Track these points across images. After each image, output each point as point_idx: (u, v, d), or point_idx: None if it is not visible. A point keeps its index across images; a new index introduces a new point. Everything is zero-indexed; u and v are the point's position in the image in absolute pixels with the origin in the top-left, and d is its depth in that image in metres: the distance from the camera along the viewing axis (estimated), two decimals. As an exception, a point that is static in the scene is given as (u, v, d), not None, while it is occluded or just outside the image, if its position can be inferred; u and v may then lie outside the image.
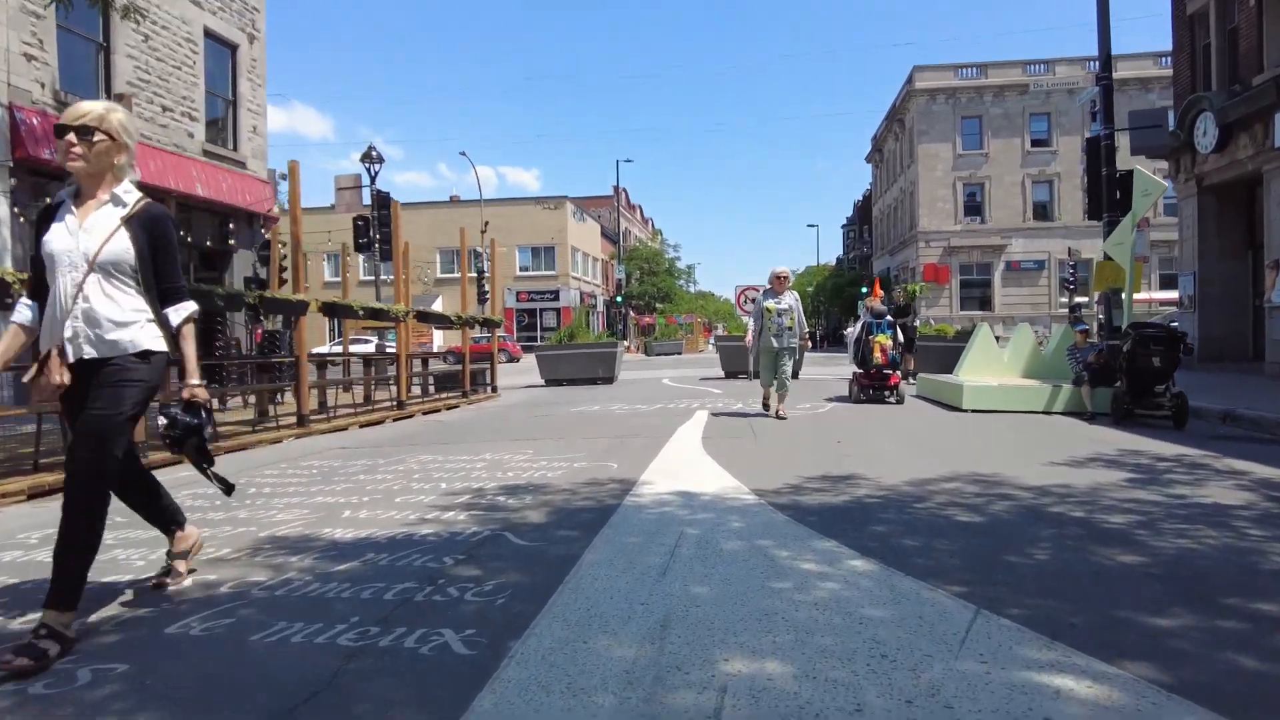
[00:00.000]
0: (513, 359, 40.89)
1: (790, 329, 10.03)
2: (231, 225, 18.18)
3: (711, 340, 67.76)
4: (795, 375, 12.44)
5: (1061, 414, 10.10)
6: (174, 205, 11.95)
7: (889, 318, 13.39)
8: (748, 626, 2.70)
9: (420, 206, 52.40)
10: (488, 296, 45.93)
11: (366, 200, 18.40)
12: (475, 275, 45.54)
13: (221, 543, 4.13)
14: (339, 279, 51.96)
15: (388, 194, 18.52)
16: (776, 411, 9.79)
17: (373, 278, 54.82)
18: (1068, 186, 43.92)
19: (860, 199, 70.61)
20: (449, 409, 13.35)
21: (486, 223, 45.72)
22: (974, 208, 45.73)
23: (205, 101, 17.29)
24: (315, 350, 41.58)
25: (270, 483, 6.17)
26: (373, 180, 18.20)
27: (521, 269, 51.12)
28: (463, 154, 47.12)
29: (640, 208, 77.94)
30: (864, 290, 50.43)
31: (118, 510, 3.11)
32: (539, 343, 27.49)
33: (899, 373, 12.93)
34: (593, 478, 5.74)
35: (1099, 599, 2.98)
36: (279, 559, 3.76)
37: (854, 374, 13.00)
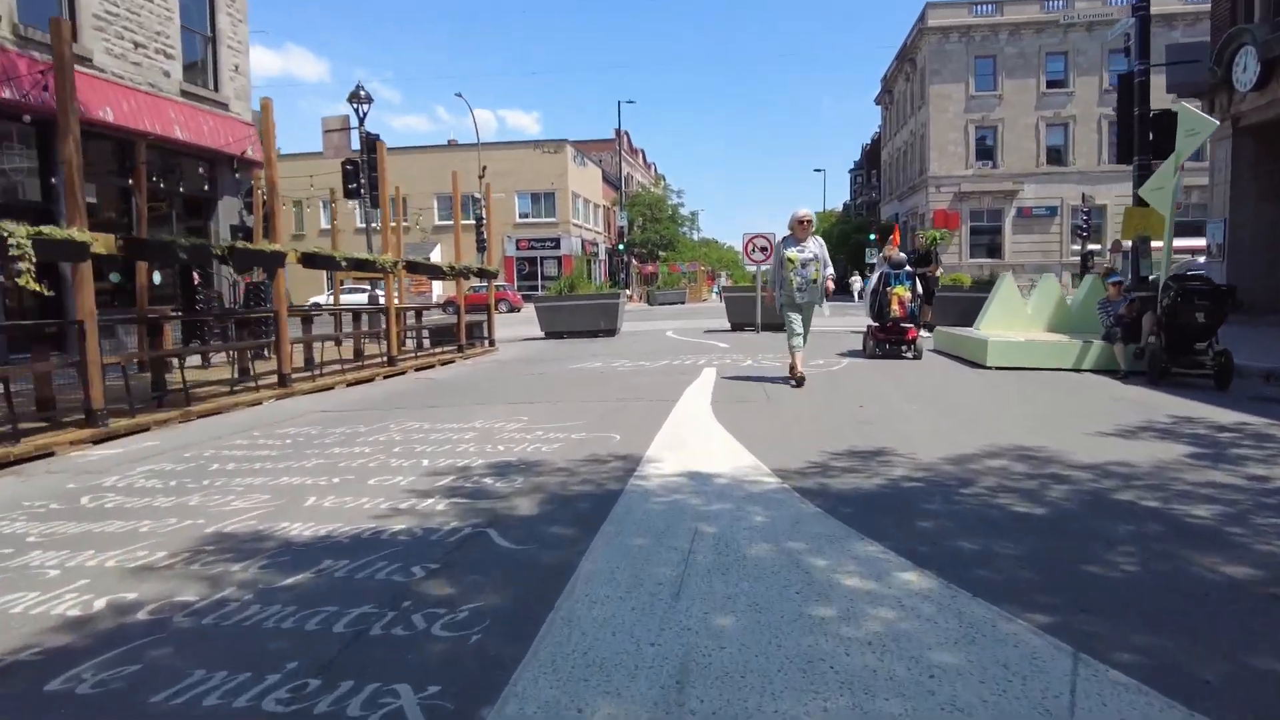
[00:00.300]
0: (513, 309, 40.21)
1: (815, 281, 8.38)
2: (215, 170, 17.33)
3: (716, 289, 66.88)
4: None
5: (1091, 371, 9.47)
6: (143, 149, 11.15)
7: (908, 268, 12.70)
8: (788, 682, 2.11)
9: (416, 151, 51.16)
10: (486, 245, 45.04)
11: (356, 144, 17.51)
12: (473, 222, 44.59)
13: (159, 542, 3.54)
14: (329, 227, 50.86)
15: (376, 136, 17.65)
16: (798, 374, 8.44)
17: (371, 225, 53.97)
18: (1083, 130, 42.62)
19: (868, 143, 68.96)
20: (443, 365, 12.75)
21: (484, 168, 44.53)
22: (985, 152, 44.43)
23: (181, 38, 16.28)
24: (312, 301, 40.65)
25: (237, 456, 5.58)
26: (361, 122, 17.30)
27: (521, 216, 50.04)
28: (459, 95, 45.73)
29: (643, 152, 76.26)
30: (871, 237, 49.45)
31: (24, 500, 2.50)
32: (540, 292, 26.70)
33: (917, 326, 12.30)
34: (593, 453, 5.13)
35: (1225, 637, 2.38)
36: (219, 567, 3.17)
37: (869, 327, 12.37)
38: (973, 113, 43.94)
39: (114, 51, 14.64)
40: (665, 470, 4.58)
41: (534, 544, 3.34)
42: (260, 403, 8.51)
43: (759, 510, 3.75)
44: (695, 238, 70.37)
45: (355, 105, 17.32)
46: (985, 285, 16.80)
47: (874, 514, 3.69)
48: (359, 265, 10.10)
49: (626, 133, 66.57)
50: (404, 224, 51.53)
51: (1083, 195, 39.92)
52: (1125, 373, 9.05)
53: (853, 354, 12.20)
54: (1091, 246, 40.19)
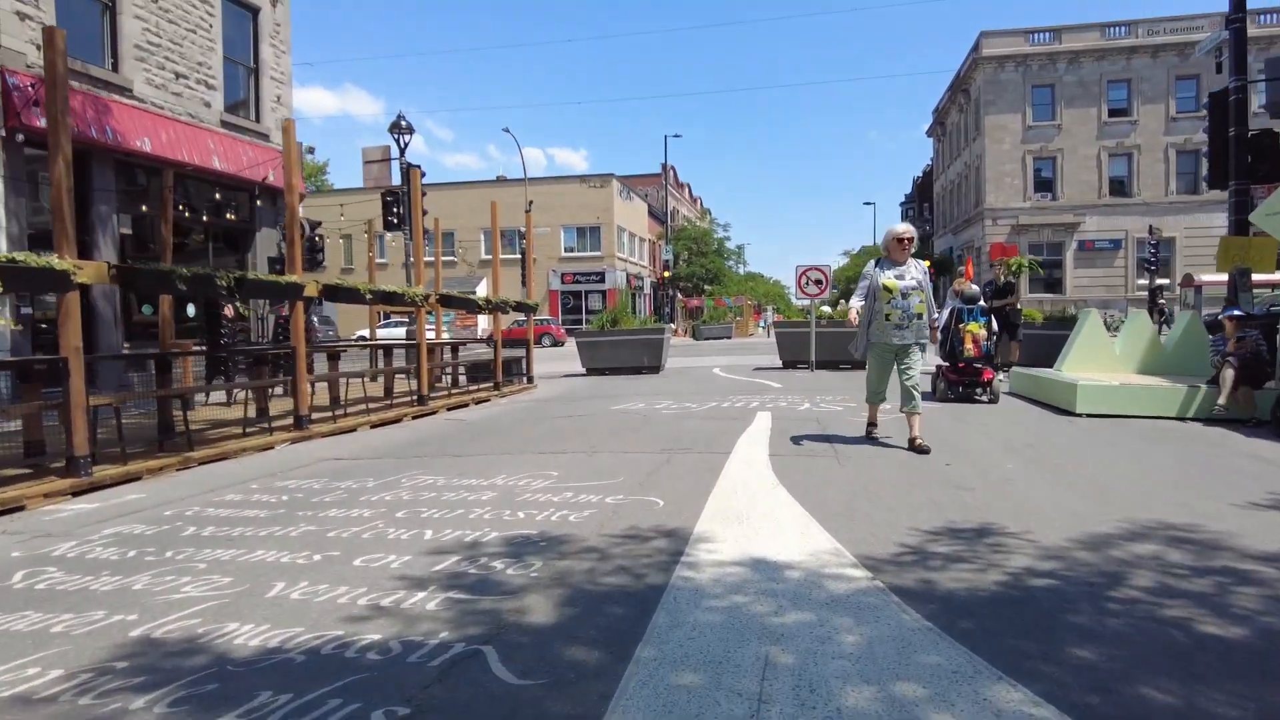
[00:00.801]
0: (557, 343, 39.71)
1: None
2: (254, 202, 17.06)
3: (762, 324, 65.72)
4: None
5: (1197, 420, 8.31)
6: (170, 177, 10.71)
7: (982, 303, 11.66)
8: None
9: (464, 186, 51.40)
10: (526, 278, 44.80)
11: (396, 176, 17.09)
12: (518, 256, 44.41)
13: (64, 652, 2.73)
14: (386, 260, 51.14)
15: (416, 166, 17.22)
16: (871, 432, 7.32)
17: (426, 259, 54.62)
18: (1149, 159, 40.93)
19: (920, 175, 67.67)
20: (478, 404, 12.00)
21: (530, 202, 44.39)
22: (1044, 183, 42.93)
23: (223, 68, 16.12)
24: (358, 335, 40.56)
25: (220, 516, 4.81)
26: (402, 152, 16.92)
27: (566, 250, 49.77)
28: (506, 130, 45.79)
29: (689, 186, 75.95)
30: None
31: None
32: (584, 326, 26.05)
33: (993, 367, 11.25)
34: (631, 525, 4.23)
35: None
36: (116, 701, 2.33)
37: (939, 367, 11.32)
38: (1030, 143, 42.56)
39: (155, 82, 14.44)
40: (721, 555, 3.65)
41: (543, 676, 2.43)
42: (273, 446, 7.80)
43: (849, 624, 2.81)
44: (741, 272, 69.52)
45: (396, 135, 16.94)
46: (1060, 322, 15.60)
47: (1005, 632, 2.72)
48: (386, 299, 9.43)
49: (673, 167, 66.37)
50: (450, 258, 51.86)
51: (1150, 227, 38.14)
52: (1255, 420, 7.92)
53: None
54: (1160, 281, 38.36)
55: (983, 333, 11.11)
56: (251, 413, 8.95)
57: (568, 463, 6.23)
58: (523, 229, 43.55)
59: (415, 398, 10.71)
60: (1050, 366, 11.84)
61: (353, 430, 8.97)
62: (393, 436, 8.48)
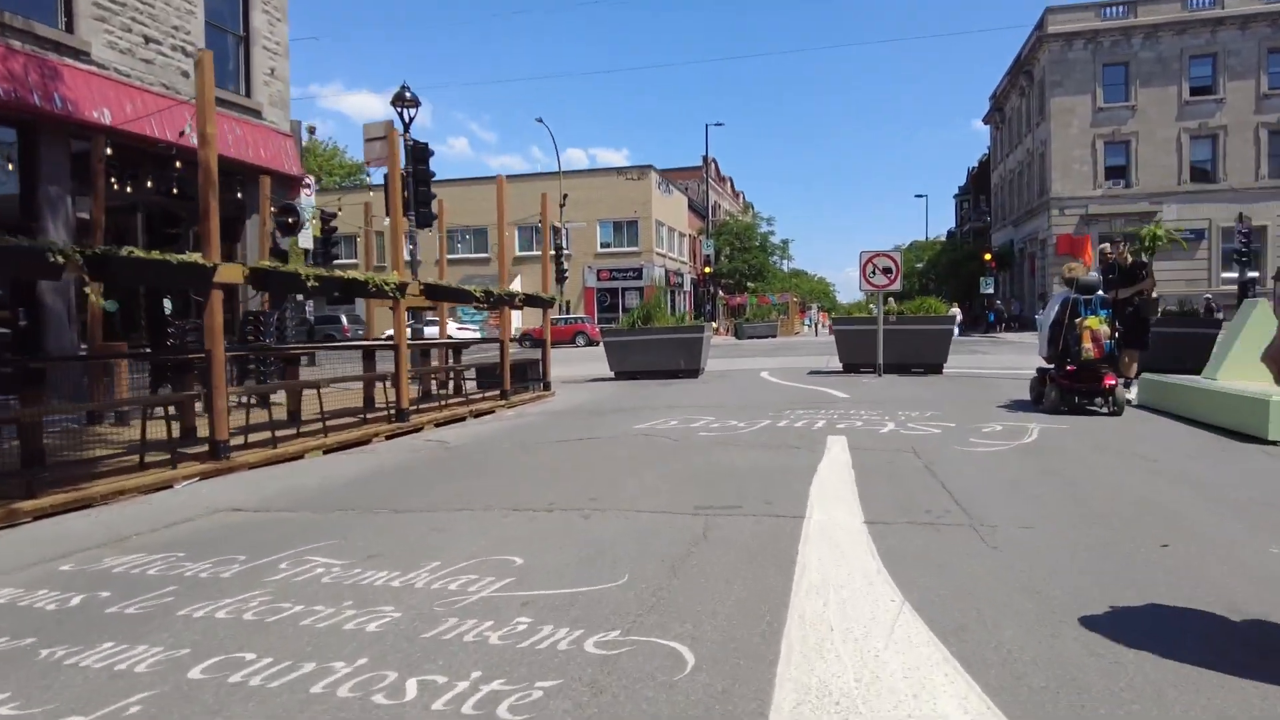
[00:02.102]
0: (591, 342, 37.74)
1: None
2: (244, 186, 15.20)
3: (807, 322, 62.91)
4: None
5: None
6: (102, 145, 8.82)
7: (1101, 293, 9.26)
8: None
9: (494, 181, 49.56)
10: (567, 275, 42.81)
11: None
12: (553, 252, 42.45)
13: None
14: (421, 259, 49.67)
15: (425, 145, 15.25)
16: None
17: (456, 253, 52.26)
18: (1237, 142, 37.47)
19: (975, 166, 64.32)
20: (477, 416, 9.91)
21: (565, 195, 42.48)
22: (1117, 170, 39.69)
23: (206, 35, 14.26)
24: (387, 334, 39.41)
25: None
26: (406, 128, 14.91)
27: (602, 245, 47.74)
28: (539, 120, 44.03)
29: (731, 180, 73.46)
30: (986, 260, 44.81)
31: None
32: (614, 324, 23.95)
33: (1115, 370, 8.95)
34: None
35: None
36: None
37: (1045, 372, 9.07)
38: (1101, 126, 39.36)
39: (119, 46, 12.60)
40: None
41: None
42: (172, 484, 5.76)
43: None
44: (786, 268, 66.86)
45: (400, 109, 14.94)
46: (1184, 318, 13.01)
47: None
48: (344, 288, 7.35)
49: (714, 160, 63.96)
50: (485, 254, 50.15)
51: (1239, 215, 34.80)
52: None
53: (1020, 406, 8.86)
54: (1250, 274, 34.95)
55: (1105, 329, 8.80)
56: (143, 439, 6.89)
57: (547, 532, 4.03)
58: (556, 224, 41.62)
59: (392, 413, 8.63)
60: (1178, 373, 9.45)
61: (296, 458, 6.90)
62: (338, 470, 6.38)
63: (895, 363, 13.55)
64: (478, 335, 42.29)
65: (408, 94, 14.87)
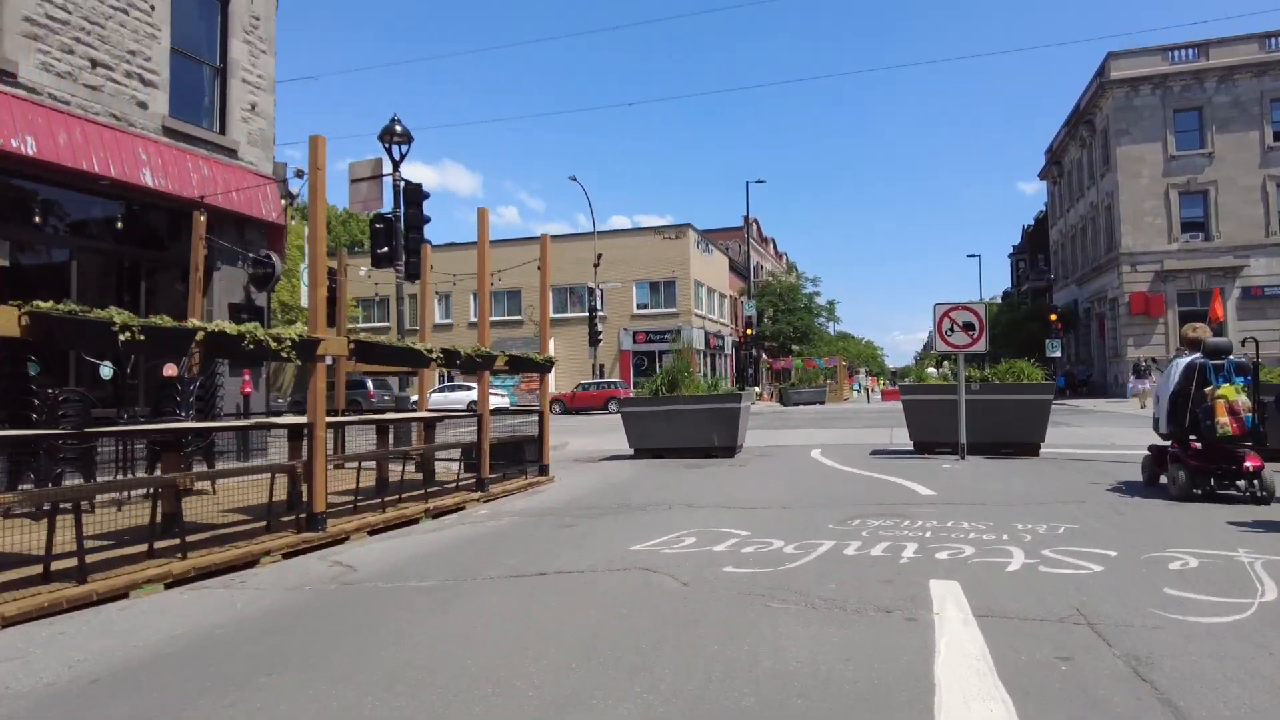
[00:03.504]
0: (624, 409, 35.30)
1: None
2: (213, 233, 13.31)
3: (856, 387, 59.72)
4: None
5: None
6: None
7: (1232, 357, 7.10)
8: None
9: (527, 242, 48.24)
10: (601, 338, 40.67)
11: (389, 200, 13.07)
12: (586, 314, 40.45)
13: None
14: (450, 320, 48.15)
15: (418, 186, 13.23)
16: None
17: (494, 317, 51.59)
18: (1331, 188, 34.21)
19: (1030, 223, 61.42)
20: (436, 516, 7.50)
21: (600, 255, 40.68)
22: (1194, 221, 36.57)
23: (172, 63, 12.55)
24: (402, 396, 36.35)
25: None
26: (395, 167, 12.92)
27: (639, 306, 45.64)
28: (573, 179, 42.57)
29: (774, 241, 71.45)
30: (1052, 321, 41.48)
31: None
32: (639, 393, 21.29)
33: (1259, 450, 6.76)
34: None
35: None
36: None
37: (1162, 450, 7.68)
38: (1175, 176, 36.43)
39: (56, 68, 10.83)
40: None
41: None
42: None
43: None
44: (833, 331, 64.10)
45: (388, 145, 12.97)
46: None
47: None
48: (214, 346, 5.06)
49: (756, 220, 62.12)
50: (518, 316, 48.43)
51: (1341, 268, 31.39)
52: None
53: (1128, 489, 6.26)
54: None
55: (1242, 399, 6.81)
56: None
57: None
58: (591, 285, 39.80)
59: (302, 519, 6.24)
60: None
61: (118, 598, 4.53)
62: (138, 641, 3.95)
63: (980, 441, 10.85)
64: (506, 403, 40.21)
65: (398, 128, 12.91)
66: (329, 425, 8.20)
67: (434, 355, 7.00)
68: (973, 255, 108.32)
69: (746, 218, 52.17)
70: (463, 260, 47.26)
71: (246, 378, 13.45)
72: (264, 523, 6.40)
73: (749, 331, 45.37)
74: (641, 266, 45.14)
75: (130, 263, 12.76)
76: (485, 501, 8.43)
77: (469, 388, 39.58)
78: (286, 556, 5.83)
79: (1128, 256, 37.07)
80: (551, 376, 45.01)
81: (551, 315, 47.38)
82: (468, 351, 7.73)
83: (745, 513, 6.87)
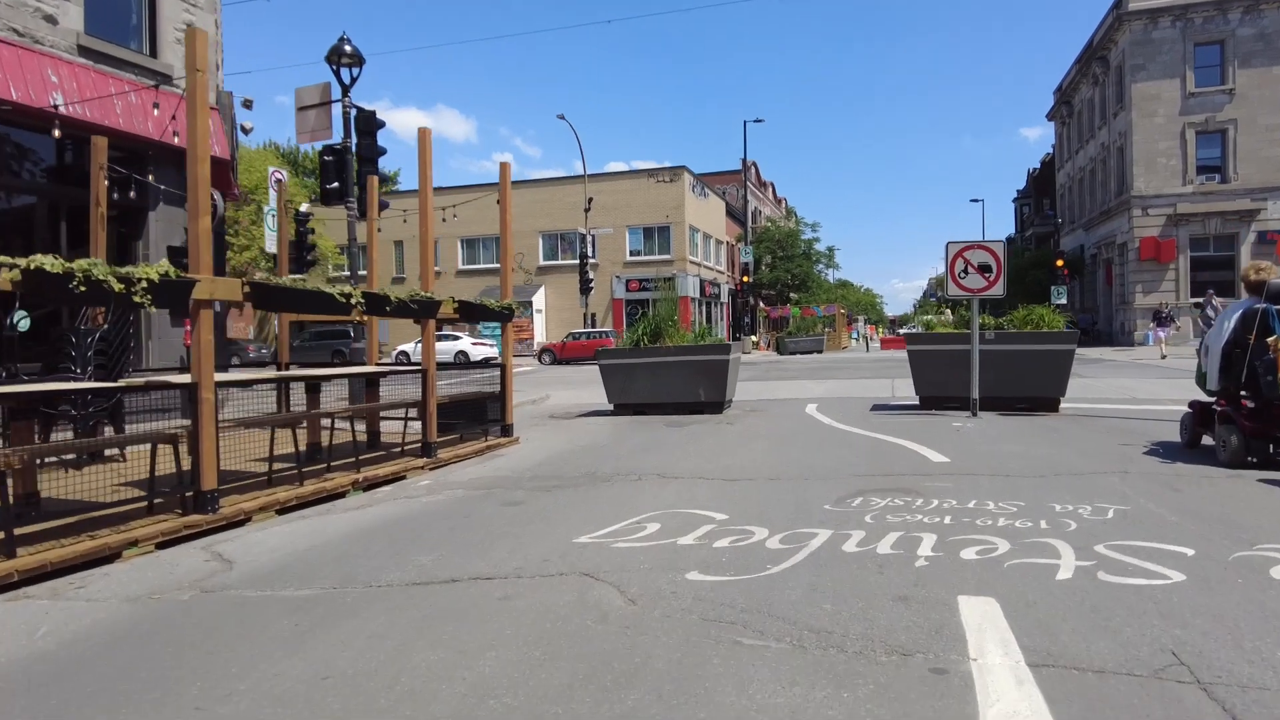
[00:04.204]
0: (616, 359, 34.14)
1: None
2: (147, 169, 12.02)
3: (855, 335, 58.55)
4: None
5: None
6: None
7: None
8: None
9: (517, 186, 46.59)
10: (592, 286, 39.32)
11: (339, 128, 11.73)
12: (577, 259, 39.06)
13: None
14: (440, 268, 46.53)
15: (372, 114, 11.87)
16: None
17: (477, 263, 49.39)
18: (1357, 126, 32.63)
19: (1036, 167, 59.62)
20: (369, 488, 6.43)
21: (590, 200, 39.13)
22: (1211, 163, 35.02)
23: (89, -26, 11.12)
24: (399, 351, 36.23)
25: None
26: (345, 92, 11.55)
27: (632, 253, 44.18)
28: (560, 117, 40.78)
29: (773, 185, 69.51)
30: (1060, 268, 40.07)
31: None
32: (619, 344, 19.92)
33: None
34: None
35: None
36: None
37: (1209, 407, 6.71)
38: (1192, 114, 34.76)
39: (-60, -28, 9.45)
40: None
41: None
42: None
43: None
44: (832, 278, 62.70)
45: (335, 67, 11.57)
46: None
47: None
48: (34, 284, 3.91)
49: (754, 164, 60.24)
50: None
51: (1364, 211, 30.05)
52: None
53: (1168, 453, 5.22)
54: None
55: None
56: None
57: None
58: (582, 230, 38.34)
59: (189, 496, 5.16)
60: None
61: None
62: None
63: (993, 396, 9.76)
64: (495, 353, 38.97)
65: (347, 48, 11.50)
66: (237, 384, 7.09)
67: (354, 301, 5.84)
68: (975, 200, 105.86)
69: (744, 160, 50.34)
70: (447, 206, 45.57)
71: (189, 328, 12.29)
72: (146, 503, 5.31)
73: (746, 279, 44.02)
74: (634, 211, 43.57)
75: (53, 201, 11.50)
76: (431, 469, 7.35)
77: (457, 337, 38.35)
78: (162, 546, 4.77)
79: (1139, 199, 35.60)
80: (541, 325, 43.95)
81: (542, 262, 46.22)
82: (399, 296, 6.54)
83: (726, 486, 5.78)
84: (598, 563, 3.90)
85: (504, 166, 8.84)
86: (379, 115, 11.75)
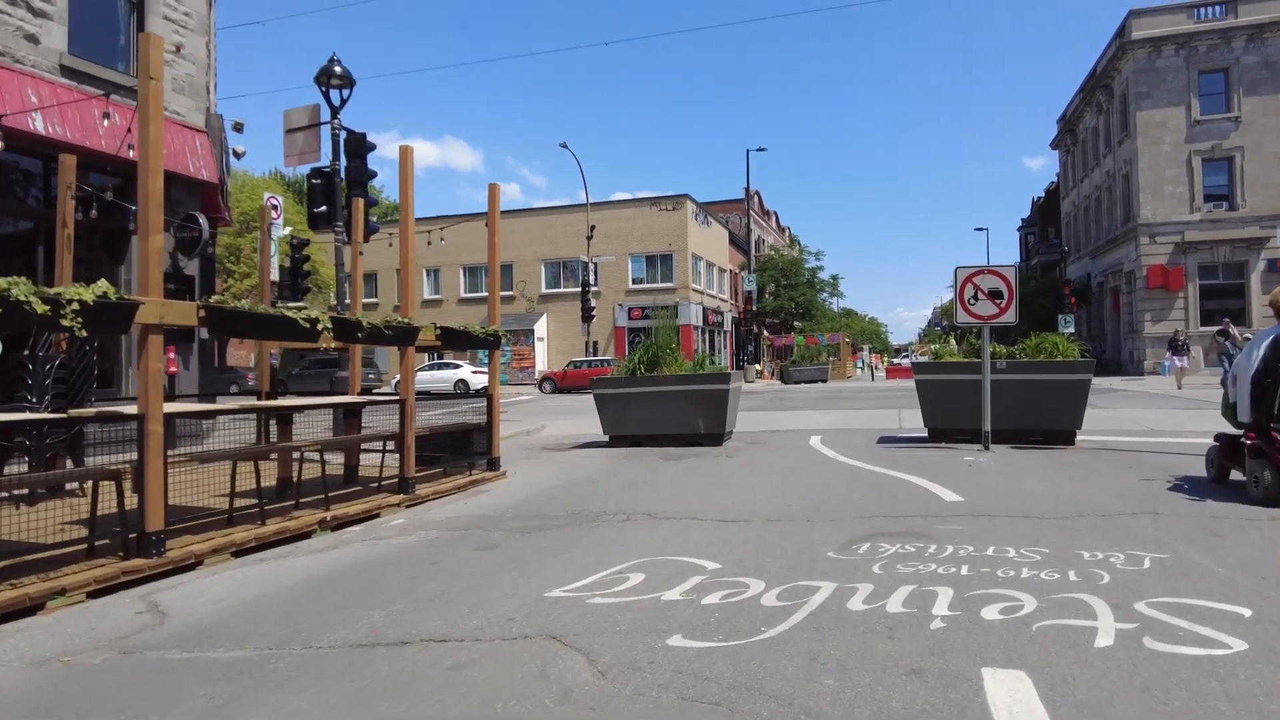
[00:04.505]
0: (618, 387, 33.63)
1: None
2: (132, 193, 11.70)
3: (859, 364, 57.98)
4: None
5: None
6: None
7: None
8: None
9: (522, 214, 46.60)
10: (594, 314, 38.94)
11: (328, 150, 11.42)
12: (580, 287, 38.73)
13: None
14: (440, 295, 46.41)
15: (362, 136, 11.58)
16: None
17: (479, 291, 48.95)
18: (1365, 155, 32.33)
19: (1040, 195, 59.45)
20: (337, 528, 5.98)
21: (593, 227, 38.93)
22: (1219, 191, 34.70)
23: (74, -6, 10.90)
24: (398, 380, 35.10)
25: None
26: (335, 114, 11.26)
27: (634, 281, 43.92)
28: (563, 145, 40.75)
29: (776, 214, 69.44)
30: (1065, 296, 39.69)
31: None
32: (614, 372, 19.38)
33: None
34: None
35: None
36: None
37: (1234, 439, 6.29)
38: (1199, 142, 34.52)
39: (-84, -9, 9.20)
40: None
41: None
42: None
43: None
44: (836, 307, 62.34)
45: (325, 88, 11.30)
46: None
47: None
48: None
49: (758, 192, 60.18)
50: (508, 292, 46.70)
51: (1376, 239, 29.64)
52: None
53: (1196, 490, 4.76)
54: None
55: None
56: None
57: None
58: (584, 258, 38.12)
59: (132, 538, 4.71)
60: None
61: None
62: None
63: (1006, 428, 9.29)
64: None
65: (337, 69, 11.23)
66: (189, 415, 6.67)
67: (321, 325, 5.42)
68: (980, 228, 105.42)
69: (747, 188, 50.16)
70: (449, 233, 45.42)
71: (171, 355, 11.91)
72: (86, 546, 4.86)
73: (749, 304, 43.65)
74: (637, 239, 43.38)
75: (37, 224, 11.19)
76: (408, 506, 6.89)
77: (457, 365, 37.93)
78: (95, 595, 4.32)
79: (1146, 227, 35.25)
80: (543, 353, 43.48)
81: (544, 290, 45.94)
82: (373, 323, 6.12)
83: (720, 529, 5.31)
84: (568, 623, 3.43)
85: (493, 188, 8.47)
86: (373, 139, 11.44)
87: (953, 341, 12.05)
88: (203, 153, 12.67)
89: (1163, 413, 14.24)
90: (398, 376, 10.71)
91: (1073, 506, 5.72)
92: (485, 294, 46.98)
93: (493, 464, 8.46)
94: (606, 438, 11.17)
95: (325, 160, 11.43)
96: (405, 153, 7.10)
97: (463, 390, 35.57)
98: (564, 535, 5.36)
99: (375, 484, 7.38)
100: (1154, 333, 34.16)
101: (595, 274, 38.69)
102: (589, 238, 38.67)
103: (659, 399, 10.67)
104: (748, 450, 10.02)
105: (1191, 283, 34.65)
